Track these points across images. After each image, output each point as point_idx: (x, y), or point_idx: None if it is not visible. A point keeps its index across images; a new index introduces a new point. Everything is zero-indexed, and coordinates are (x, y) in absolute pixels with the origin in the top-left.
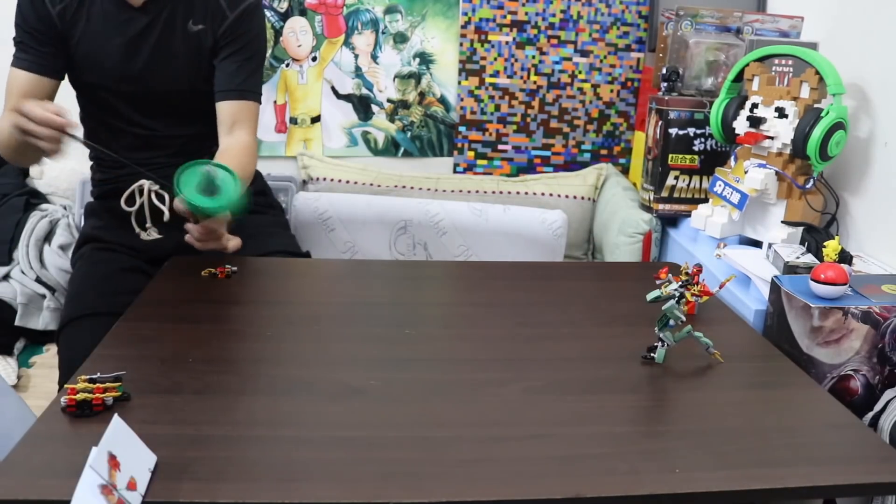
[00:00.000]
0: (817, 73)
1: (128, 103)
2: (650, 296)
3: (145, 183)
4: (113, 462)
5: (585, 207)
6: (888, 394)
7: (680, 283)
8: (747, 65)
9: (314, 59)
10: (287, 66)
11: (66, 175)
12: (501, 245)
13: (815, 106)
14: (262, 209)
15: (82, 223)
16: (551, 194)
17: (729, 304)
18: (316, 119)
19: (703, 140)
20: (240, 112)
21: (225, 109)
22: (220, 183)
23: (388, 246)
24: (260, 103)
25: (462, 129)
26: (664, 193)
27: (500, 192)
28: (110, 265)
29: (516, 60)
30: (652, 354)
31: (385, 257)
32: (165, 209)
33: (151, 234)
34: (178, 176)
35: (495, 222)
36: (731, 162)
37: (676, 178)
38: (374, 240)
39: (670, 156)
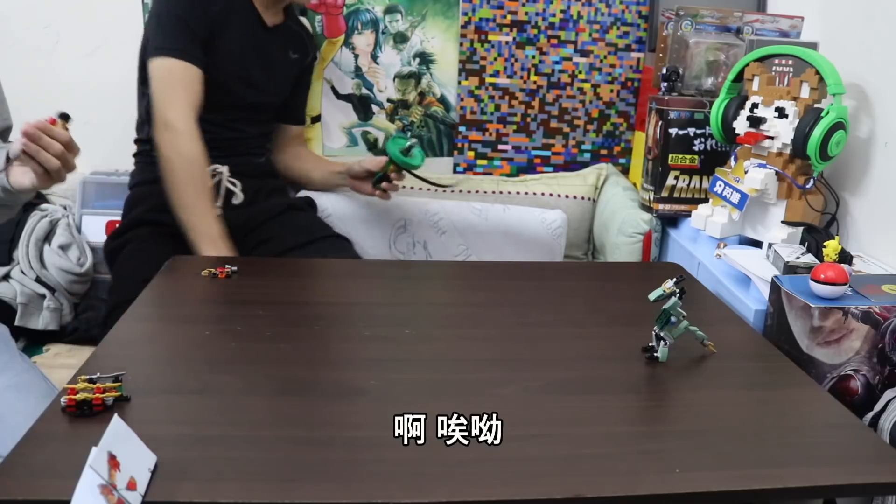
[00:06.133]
0: (817, 73)
1: (230, 99)
2: (653, 295)
3: (220, 168)
4: (113, 462)
5: (585, 207)
6: (888, 394)
7: (676, 279)
8: (747, 65)
9: (314, 58)
10: None
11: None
12: (501, 245)
13: (815, 106)
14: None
15: (82, 223)
16: (551, 194)
17: (729, 304)
18: (316, 119)
19: (703, 140)
20: (301, 131)
21: (293, 130)
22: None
23: (387, 245)
24: None
25: (462, 129)
26: (664, 193)
27: (500, 192)
28: (160, 249)
29: (516, 60)
30: (655, 354)
31: (385, 257)
32: (238, 191)
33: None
34: (389, 142)
35: (495, 222)
36: (731, 162)
37: (676, 178)
38: (374, 239)
39: (670, 156)
